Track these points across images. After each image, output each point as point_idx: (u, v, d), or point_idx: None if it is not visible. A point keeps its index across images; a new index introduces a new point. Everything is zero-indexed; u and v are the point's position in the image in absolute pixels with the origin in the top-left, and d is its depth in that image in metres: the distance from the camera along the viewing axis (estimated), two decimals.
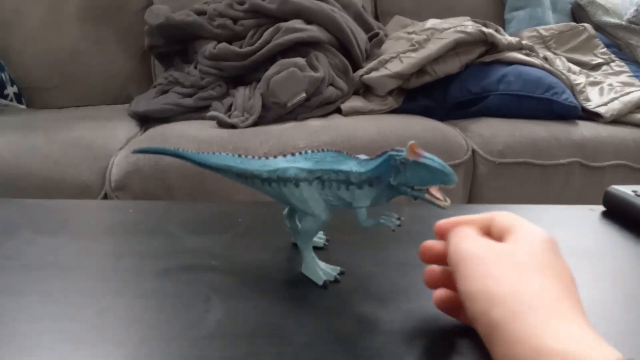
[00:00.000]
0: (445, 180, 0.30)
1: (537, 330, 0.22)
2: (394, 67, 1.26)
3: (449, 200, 0.31)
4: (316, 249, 0.39)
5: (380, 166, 0.32)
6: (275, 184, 0.34)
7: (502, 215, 0.30)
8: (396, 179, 0.31)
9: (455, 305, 0.29)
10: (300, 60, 1.20)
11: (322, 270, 0.34)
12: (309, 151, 0.34)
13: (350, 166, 0.32)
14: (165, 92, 1.32)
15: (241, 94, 1.22)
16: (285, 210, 0.39)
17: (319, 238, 0.40)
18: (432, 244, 0.31)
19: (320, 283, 0.34)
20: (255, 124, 1.13)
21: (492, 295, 0.23)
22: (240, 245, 0.40)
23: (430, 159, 0.30)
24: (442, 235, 0.31)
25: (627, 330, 0.32)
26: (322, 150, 0.33)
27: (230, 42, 1.31)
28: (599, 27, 1.71)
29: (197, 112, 1.24)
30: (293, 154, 0.34)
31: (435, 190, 0.31)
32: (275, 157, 0.34)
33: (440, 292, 0.30)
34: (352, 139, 1.08)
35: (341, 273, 0.35)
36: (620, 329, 0.32)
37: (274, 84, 1.15)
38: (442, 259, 0.30)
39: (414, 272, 0.34)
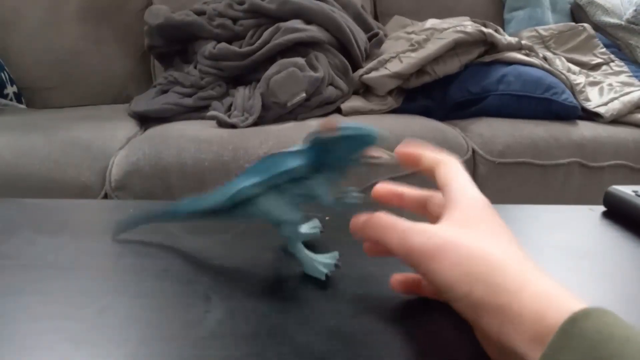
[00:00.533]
0: (370, 140, 0.30)
1: (521, 293, 0.23)
2: (394, 67, 1.26)
3: (392, 154, 0.32)
4: (310, 247, 0.39)
5: (313, 152, 0.32)
6: (241, 209, 0.34)
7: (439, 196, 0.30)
8: (333, 157, 0.31)
9: (414, 285, 0.31)
10: (300, 60, 1.20)
11: (321, 264, 0.35)
12: (248, 165, 0.34)
13: (290, 163, 0.32)
14: (165, 92, 1.32)
15: (241, 93, 1.22)
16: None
17: (313, 228, 0.40)
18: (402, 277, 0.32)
19: (323, 277, 0.34)
20: (255, 123, 1.13)
21: (467, 278, 0.24)
22: (240, 245, 0.40)
23: (346, 128, 0.30)
24: (382, 199, 0.33)
25: None
26: (260, 159, 0.33)
27: (230, 42, 1.31)
28: (598, 27, 1.71)
29: (196, 112, 1.25)
30: (237, 175, 0.34)
31: (374, 151, 0.31)
32: (223, 184, 0.34)
33: (397, 276, 0.31)
34: None
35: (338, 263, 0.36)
36: None
37: (274, 83, 1.15)
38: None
39: (412, 271, 0.34)
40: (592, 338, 0.19)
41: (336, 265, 0.35)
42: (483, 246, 0.25)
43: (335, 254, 0.36)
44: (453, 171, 0.32)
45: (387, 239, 0.28)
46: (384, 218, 0.29)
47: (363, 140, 0.31)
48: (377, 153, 0.31)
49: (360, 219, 0.30)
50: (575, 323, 0.20)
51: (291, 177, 0.33)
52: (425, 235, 0.26)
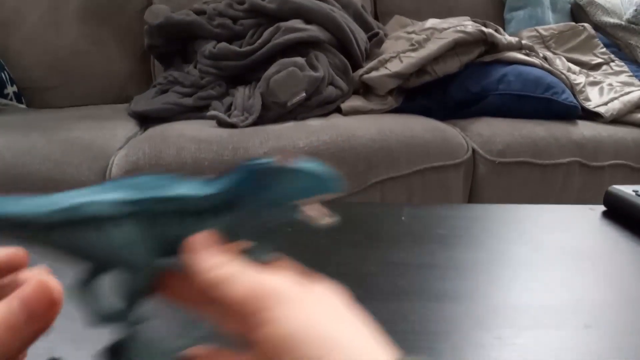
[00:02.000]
0: (324, 187, 0.23)
1: None
2: (394, 66, 1.26)
3: (333, 217, 0.23)
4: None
5: (231, 184, 0.23)
6: (71, 232, 0.22)
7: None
8: (257, 199, 0.23)
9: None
10: (300, 60, 1.20)
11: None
12: (121, 178, 0.24)
13: (185, 189, 0.23)
14: (165, 91, 1.32)
15: (241, 93, 1.22)
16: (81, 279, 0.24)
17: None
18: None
19: None
20: (255, 123, 1.13)
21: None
22: None
23: (304, 164, 0.23)
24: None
25: (627, 331, 0.32)
26: (141, 175, 0.24)
27: (230, 42, 1.31)
28: (599, 27, 1.71)
29: (196, 111, 1.24)
30: (99, 184, 0.23)
31: (311, 209, 0.23)
32: (69, 190, 0.23)
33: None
34: (352, 138, 1.08)
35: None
36: (620, 329, 0.32)
37: (274, 83, 1.15)
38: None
39: (414, 272, 0.34)
40: None
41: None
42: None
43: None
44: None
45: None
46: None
47: (318, 184, 0.23)
48: (316, 212, 0.23)
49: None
50: None
51: (175, 209, 0.23)
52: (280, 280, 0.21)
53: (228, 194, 0.23)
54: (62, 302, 0.19)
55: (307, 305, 0.20)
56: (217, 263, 0.22)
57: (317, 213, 0.23)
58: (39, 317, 0.18)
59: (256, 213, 0.23)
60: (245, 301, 0.20)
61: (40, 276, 0.19)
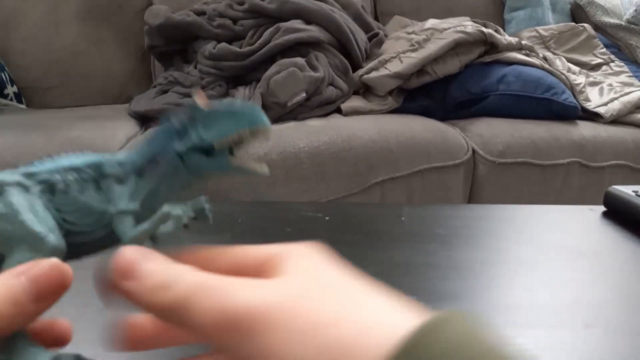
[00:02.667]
0: (253, 120, 0.21)
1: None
2: (394, 67, 1.26)
3: (265, 167, 0.22)
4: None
5: (153, 142, 0.21)
6: None
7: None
8: (184, 143, 0.20)
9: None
10: (300, 60, 1.20)
11: None
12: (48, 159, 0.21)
13: (105, 158, 0.21)
14: (165, 91, 1.32)
15: (241, 93, 1.22)
16: None
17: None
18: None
19: None
20: None
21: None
22: (240, 245, 0.40)
23: (227, 103, 0.21)
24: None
25: (627, 330, 0.32)
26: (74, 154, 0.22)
27: (230, 42, 1.31)
28: (599, 28, 1.71)
29: None
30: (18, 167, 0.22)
31: (245, 158, 0.22)
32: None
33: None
34: (352, 138, 1.08)
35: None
36: (620, 329, 0.32)
37: (274, 83, 1.15)
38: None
39: (414, 272, 0.34)
40: None
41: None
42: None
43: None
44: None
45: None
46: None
47: (246, 118, 0.20)
48: (248, 159, 0.21)
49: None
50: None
51: (91, 175, 0.21)
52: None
53: (144, 155, 0.21)
54: (69, 286, 0.18)
55: (298, 322, 0.15)
56: (166, 279, 0.17)
57: (250, 161, 0.22)
58: (46, 298, 0.18)
59: (177, 172, 0.21)
60: (217, 331, 0.15)
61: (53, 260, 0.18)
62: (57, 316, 0.22)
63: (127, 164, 0.21)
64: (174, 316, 0.17)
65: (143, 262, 0.18)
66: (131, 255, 0.18)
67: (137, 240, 0.20)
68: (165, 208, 0.20)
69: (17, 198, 0.20)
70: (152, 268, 0.17)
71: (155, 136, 0.21)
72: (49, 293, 0.18)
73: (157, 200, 0.21)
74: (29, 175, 0.21)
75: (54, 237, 0.19)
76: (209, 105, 0.21)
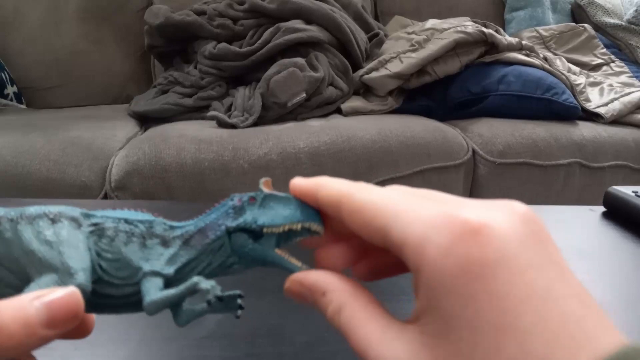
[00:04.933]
0: (309, 216, 0.21)
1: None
2: (394, 67, 1.26)
3: (305, 266, 0.22)
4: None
5: (209, 214, 0.22)
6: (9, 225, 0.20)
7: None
8: (236, 220, 0.21)
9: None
10: (300, 60, 1.20)
11: None
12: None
13: (160, 219, 0.22)
14: (165, 92, 1.32)
15: (241, 93, 1.22)
16: None
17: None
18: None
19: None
20: (255, 124, 1.13)
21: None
22: None
23: (289, 196, 0.22)
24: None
25: (627, 331, 0.32)
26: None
27: (230, 42, 1.31)
28: (599, 28, 1.71)
29: (197, 112, 1.24)
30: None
31: (288, 255, 0.21)
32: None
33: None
34: (352, 139, 1.08)
35: None
36: (620, 329, 0.32)
37: (274, 84, 1.15)
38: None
39: None
40: None
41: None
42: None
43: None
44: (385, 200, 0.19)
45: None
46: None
47: (305, 214, 0.21)
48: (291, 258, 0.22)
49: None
50: None
51: (141, 231, 0.21)
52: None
53: (197, 223, 0.22)
54: (82, 316, 0.18)
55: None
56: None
57: (291, 257, 0.21)
58: (57, 325, 0.18)
59: (229, 243, 0.21)
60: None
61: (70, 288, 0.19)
62: None
63: (178, 229, 0.22)
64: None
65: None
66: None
67: (159, 305, 0.20)
68: (196, 278, 0.20)
69: (66, 230, 0.20)
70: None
71: (214, 209, 0.22)
72: (61, 320, 0.18)
73: (194, 272, 0.21)
74: (86, 216, 0.21)
75: (82, 276, 0.20)
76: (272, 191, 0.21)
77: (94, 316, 0.22)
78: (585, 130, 1.23)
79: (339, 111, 1.25)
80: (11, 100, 1.48)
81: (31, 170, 0.98)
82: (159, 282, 0.20)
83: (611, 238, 0.45)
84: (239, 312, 0.23)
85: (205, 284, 0.20)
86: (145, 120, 1.29)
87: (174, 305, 0.21)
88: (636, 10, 1.67)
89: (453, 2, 1.75)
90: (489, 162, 1.16)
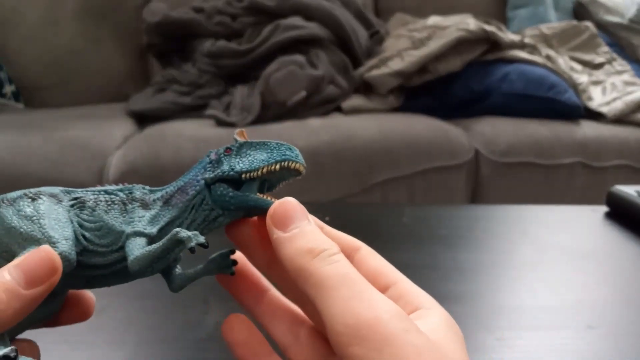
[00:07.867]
0: (285, 155, 0.21)
1: None
2: (395, 65, 1.25)
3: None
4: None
5: (187, 173, 0.22)
6: None
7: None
8: (214, 172, 0.21)
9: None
10: (299, 58, 1.19)
11: None
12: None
13: (139, 185, 0.23)
14: (163, 90, 1.31)
15: (240, 92, 1.22)
16: None
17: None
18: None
19: None
20: (254, 122, 1.13)
21: None
22: None
23: (265, 140, 0.22)
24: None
25: (629, 331, 0.32)
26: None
27: (229, 40, 1.30)
28: (601, 26, 1.70)
29: (195, 110, 1.24)
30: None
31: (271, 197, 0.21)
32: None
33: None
34: (353, 138, 1.08)
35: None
36: (622, 329, 0.31)
37: (274, 82, 1.14)
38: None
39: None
40: None
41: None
42: None
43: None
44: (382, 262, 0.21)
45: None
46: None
47: (282, 152, 0.21)
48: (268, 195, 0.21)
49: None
50: None
51: (121, 198, 0.22)
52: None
53: (176, 185, 0.22)
54: (61, 269, 0.19)
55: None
56: (316, 248, 0.18)
57: (273, 198, 0.21)
58: (37, 282, 0.18)
59: (209, 196, 0.21)
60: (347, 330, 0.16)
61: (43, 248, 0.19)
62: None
63: (158, 191, 0.22)
64: (307, 285, 0.17)
65: (301, 219, 0.18)
66: (294, 206, 0.19)
67: (142, 262, 0.20)
68: (176, 229, 0.19)
69: (45, 205, 0.21)
70: (308, 230, 0.18)
71: (192, 168, 0.22)
72: (39, 276, 0.18)
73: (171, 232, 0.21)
74: (67, 192, 0.22)
75: (65, 245, 0.20)
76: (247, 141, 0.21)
77: (92, 296, 0.23)
78: (587, 129, 1.22)
79: (339, 110, 1.25)
80: (9, 99, 1.48)
81: (29, 170, 0.98)
82: (142, 241, 0.20)
83: (614, 238, 0.45)
84: (233, 269, 0.23)
85: (186, 232, 0.19)
86: (143, 119, 1.28)
87: (161, 264, 0.21)
88: (638, 9, 1.67)
89: (455, 0, 1.75)
90: (492, 162, 1.15)
